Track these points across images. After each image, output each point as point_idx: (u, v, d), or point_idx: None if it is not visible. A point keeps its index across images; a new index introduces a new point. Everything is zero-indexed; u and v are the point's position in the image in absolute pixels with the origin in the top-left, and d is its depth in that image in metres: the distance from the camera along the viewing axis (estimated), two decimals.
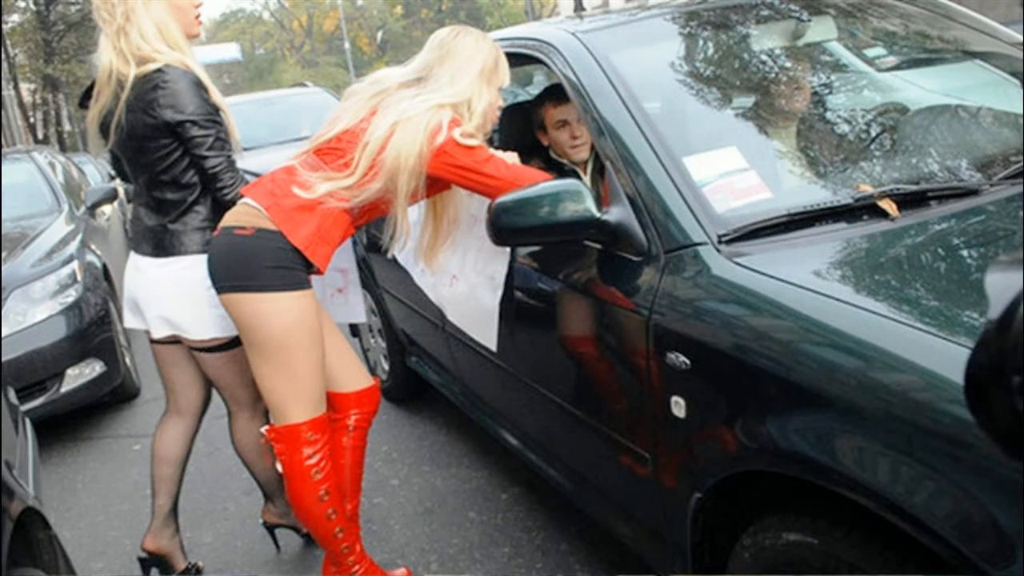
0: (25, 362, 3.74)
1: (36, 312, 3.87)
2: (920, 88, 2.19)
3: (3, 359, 3.56)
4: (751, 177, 1.71)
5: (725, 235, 1.57)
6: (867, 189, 1.65)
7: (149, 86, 2.10)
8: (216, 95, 2.19)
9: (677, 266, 1.59)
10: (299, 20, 51.79)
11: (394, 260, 2.68)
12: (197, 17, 2.28)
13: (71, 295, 4.01)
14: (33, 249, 4.28)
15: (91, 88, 2.24)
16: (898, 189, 1.63)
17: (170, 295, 2.24)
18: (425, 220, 2.28)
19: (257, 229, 1.97)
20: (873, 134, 1.95)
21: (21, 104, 23.64)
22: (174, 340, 2.32)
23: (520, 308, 2.15)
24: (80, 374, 3.94)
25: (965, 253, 1.47)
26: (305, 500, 2.13)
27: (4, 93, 21.04)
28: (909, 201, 1.61)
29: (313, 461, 2.11)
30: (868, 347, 1.20)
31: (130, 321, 2.40)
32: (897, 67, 2.31)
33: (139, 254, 2.29)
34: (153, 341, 2.36)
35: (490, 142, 2.23)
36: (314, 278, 2.09)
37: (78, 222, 4.88)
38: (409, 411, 3.66)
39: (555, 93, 2.48)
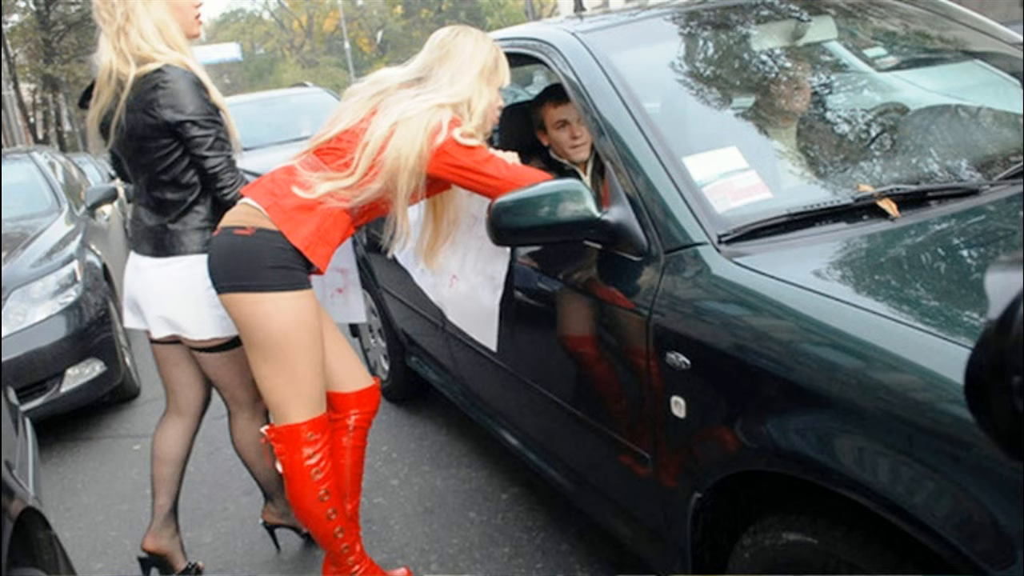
0: (25, 362, 3.74)
1: (36, 312, 3.87)
2: (920, 88, 2.19)
3: (3, 359, 3.56)
4: (751, 177, 1.71)
5: (725, 235, 1.57)
6: (867, 189, 1.65)
7: (149, 86, 2.11)
8: (216, 95, 2.19)
9: (677, 266, 1.59)
10: (299, 20, 51.78)
11: (394, 260, 2.68)
12: (197, 17, 2.28)
13: (71, 295, 4.01)
14: (33, 249, 4.28)
15: (91, 88, 2.24)
16: (898, 189, 1.63)
17: (170, 295, 2.24)
18: (425, 220, 2.28)
19: (257, 229, 1.97)
20: (873, 134, 1.95)
21: (21, 104, 23.64)
22: (174, 340, 2.32)
23: (520, 308, 2.15)
24: (80, 374, 3.94)
25: (965, 253, 1.47)
26: (305, 500, 2.13)
27: (4, 93, 21.03)
28: (909, 201, 1.61)
29: (313, 461, 2.11)
30: (868, 347, 1.20)
31: (130, 321, 2.40)
32: (897, 67, 2.31)
33: (139, 254, 2.29)
34: (153, 341, 2.37)
35: (490, 142, 2.23)
36: (314, 278, 2.09)
37: (78, 222, 4.88)
38: (409, 411, 3.65)
39: (555, 93, 2.47)
